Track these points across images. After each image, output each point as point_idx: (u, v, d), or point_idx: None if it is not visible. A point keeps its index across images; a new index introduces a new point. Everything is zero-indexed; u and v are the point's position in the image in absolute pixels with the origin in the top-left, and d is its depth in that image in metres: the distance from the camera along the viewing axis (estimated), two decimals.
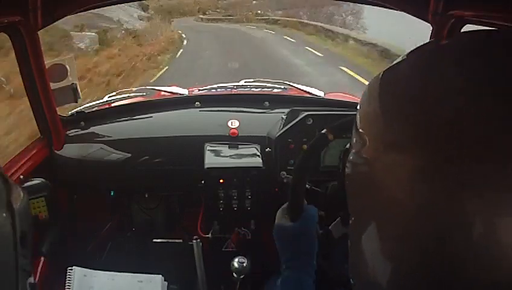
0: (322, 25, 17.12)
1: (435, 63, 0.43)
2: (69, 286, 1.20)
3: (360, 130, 0.47)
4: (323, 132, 0.95)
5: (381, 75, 0.48)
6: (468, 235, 0.36)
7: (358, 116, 0.49)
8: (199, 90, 1.99)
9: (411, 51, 0.47)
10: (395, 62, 0.48)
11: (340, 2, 1.72)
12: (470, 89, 0.38)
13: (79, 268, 1.25)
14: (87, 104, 1.76)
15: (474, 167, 0.36)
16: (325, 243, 1.00)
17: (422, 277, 0.40)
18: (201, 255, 1.40)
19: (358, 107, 0.50)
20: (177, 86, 1.97)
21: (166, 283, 1.30)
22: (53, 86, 1.47)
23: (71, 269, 1.24)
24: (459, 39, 0.49)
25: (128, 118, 1.67)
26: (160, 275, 1.30)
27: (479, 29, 1.03)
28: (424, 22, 1.33)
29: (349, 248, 0.54)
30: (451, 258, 0.38)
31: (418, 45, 0.48)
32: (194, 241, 1.41)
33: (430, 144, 0.38)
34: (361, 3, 1.66)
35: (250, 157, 1.48)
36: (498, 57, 0.40)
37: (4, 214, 0.52)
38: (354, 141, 0.49)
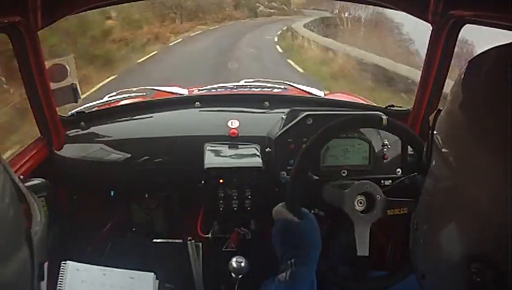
0: None
1: None
2: (61, 279, 1.21)
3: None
4: (382, 115, 0.95)
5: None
6: None
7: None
8: (199, 90, 2.00)
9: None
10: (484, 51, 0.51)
11: (341, 2, 1.72)
12: None
13: (72, 263, 1.25)
14: (87, 104, 1.76)
15: None
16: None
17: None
18: (196, 256, 1.40)
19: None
20: (177, 86, 1.97)
21: (157, 281, 1.30)
22: (53, 86, 1.46)
23: (65, 263, 1.24)
24: None
25: (128, 118, 1.67)
26: (153, 273, 1.31)
27: None
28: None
29: (419, 246, 0.57)
30: None
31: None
32: (189, 242, 1.42)
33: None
34: (361, 3, 1.66)
35: (250, 157, 1.48)
36: None
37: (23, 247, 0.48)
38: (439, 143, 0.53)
